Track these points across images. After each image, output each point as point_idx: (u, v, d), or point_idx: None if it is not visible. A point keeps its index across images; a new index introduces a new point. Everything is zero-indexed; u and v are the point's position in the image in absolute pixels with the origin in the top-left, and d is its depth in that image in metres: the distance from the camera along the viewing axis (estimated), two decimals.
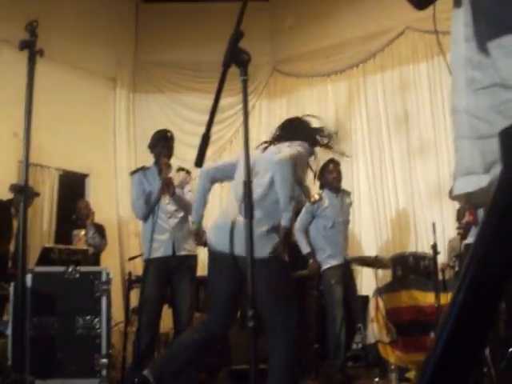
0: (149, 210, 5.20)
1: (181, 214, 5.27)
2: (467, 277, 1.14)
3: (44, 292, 5.05)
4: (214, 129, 7.31)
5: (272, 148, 3.87)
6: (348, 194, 6.36)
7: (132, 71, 9.75)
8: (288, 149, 3.73)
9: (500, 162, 1.26)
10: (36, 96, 7.82)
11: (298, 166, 3.74)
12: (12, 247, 6.49)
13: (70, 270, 5.18)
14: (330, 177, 6.05)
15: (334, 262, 5.88)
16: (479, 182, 1.42)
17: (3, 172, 7.05)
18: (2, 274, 6.09)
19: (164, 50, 9.63)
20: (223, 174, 4.09)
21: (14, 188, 6.54)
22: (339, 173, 6.17)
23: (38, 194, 6.60)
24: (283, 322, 3.56)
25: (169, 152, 5.36)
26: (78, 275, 5.17)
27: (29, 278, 5.02)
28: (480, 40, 1.43)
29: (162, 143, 5.37)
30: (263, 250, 3.57)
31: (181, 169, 5.49)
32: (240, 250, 3.57)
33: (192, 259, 5.29)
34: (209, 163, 4.30)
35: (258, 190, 3.64)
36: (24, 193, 2.77)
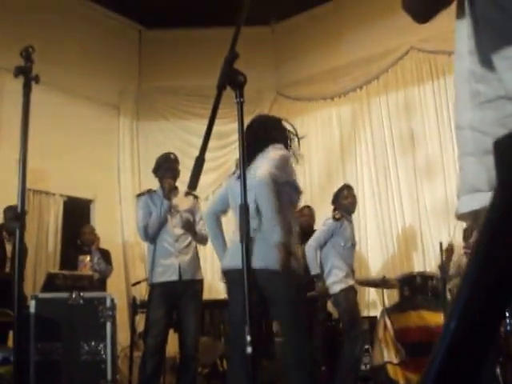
0: (155, 232, 5.15)
1: (188, 238, 5.22)
2: (459, 303, 1.06)
3: (48, 318, 5.03)
4: (219, 153, 7.37)
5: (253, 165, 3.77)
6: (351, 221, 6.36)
7: (135, 99, 9.79)
8: (266, 163, 3.64)
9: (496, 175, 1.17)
10: (41, 124, 7.92)
11: (284, 167, 3.68)
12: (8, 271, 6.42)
13: (74, 296, 5.18)
14: (346, 202, 6.13)
15: (350, 282, 5.84)
16: (485, 199, 1.29)
17: (9, 198, 7.05)
18: (7, 300, 6.06)
19: (167, 76, 9.71)
20: (223, 206, 4.06)
21: (8, 211, 6.54)
22: (354, 197, 6.26)
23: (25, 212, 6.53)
24: (297, 353, 3.44)
25: (173, 173, 5.31)
26: (82, 301, 5.16)
27: (33, 304, 5.02)
28: (483, 52, 1.39)
29: (166, 165, 5.33)
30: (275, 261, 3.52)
31: (188, 193, 5.41)
32: (253, 262, 3.53)
33: (198, 284, 5.23)
34: (208, 202, 4.23)
35: (251, 205, 3.62)
36: (20, 220, 2.75)
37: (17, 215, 2.85)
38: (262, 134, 3.83)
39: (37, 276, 7.58)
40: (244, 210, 2.30)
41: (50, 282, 5.83)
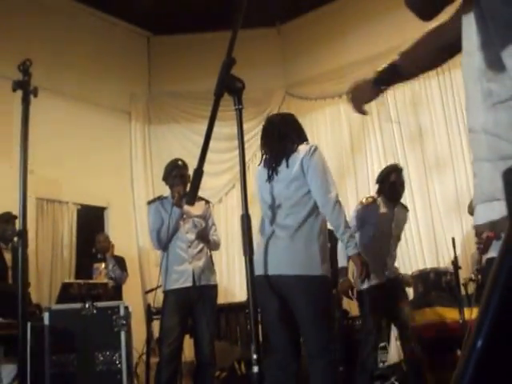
0: (167, 239, 5.13)
1: (201, 244, 5.20)
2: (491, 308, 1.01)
3: (62, 329, 5.03)
4: (230, 155, 7.38)
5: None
6: (406, 209, 5.65)
7: (146, 103, 9.85)
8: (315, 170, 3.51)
9: (506, 208, 1.09)
10: (52, 131, 7.99)
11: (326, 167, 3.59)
12: (10, 281, 6.43)
13: (87, 306, 5.15)
14: (392, 186, 5.34)
15: (373, 281, 4.91)
16: (502, 209, 1.21)
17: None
18: (16, 311, 6.09)
19: (177, 80, 9.75)
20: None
21: (1, 218, 6.57)
22: (402, 183, 5.50)
23: (15, 217, 6.53)
24: (322, 346, 3.37)
25: (183, 180, 5.23)
26: (95, 311, 5.14)
27: (46, 316, 5.02)
28: (492, 48, 1.31)
29: (174, 172, 5.28)
30: (310, 266, 3.39)
31: (200, 198, 5.33)
32: (272, 268, 3.42)
33: (213, 289, 5.18)
34: None
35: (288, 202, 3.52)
36: (22, 238, 2.70)
37: (19, 233, 2.78)
38: (286, 133, 3.72)
39: (52, 285, 7.63)
40: (246, 220, 2.20)
41: (65, 292, 5.87)
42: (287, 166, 3.58)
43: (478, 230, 5.49)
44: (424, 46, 1.93)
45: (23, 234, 2.73)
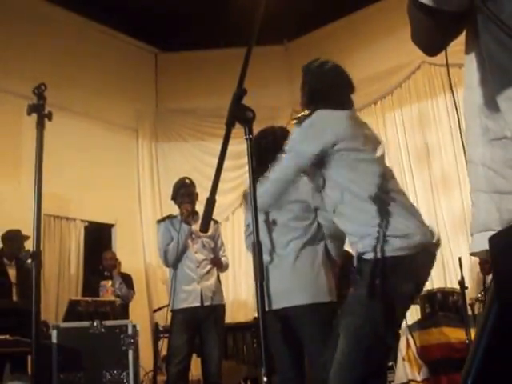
0: (176, 256, 5.14)
1: (209, 265, 5.23)
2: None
3: (70, 347, 5.05)
4: (236, 173, 7.34)
5: None
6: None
7: (153, 121, 9.90)
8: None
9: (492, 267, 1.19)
10: (60, 150, 8.00)
11: None
12: (15, 297, 6.44)
13: (95, 324, 5.19)
14: None
15: None
16: None
17: (29, 230, 7.14)
18: (22, 328, 6.09)
19: (183, 97, 9.80)
20: None
21: (7, 237, 6.59)
22: None
23: (27, 237, 6.49)
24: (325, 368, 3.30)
25: (190, 198, 5.28)
26: (103, 329, 5.18)
27: (54, 334, 5.05)
28: (489, 88, 1.35)
29: (182, 191, 5.31)
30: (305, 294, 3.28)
31: None
32: (276, 302, 3.29)
33: (220, 309, 5.23)
34: None
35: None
36: (36, 258, 2.69)
37: (32, 254, 2.77)
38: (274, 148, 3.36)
39: (59, 302, 7.63)
40: (257, 247, 2.08)
41: (73, 310, 5.87)
42: None
43: (474, 256, 5.53)
44: None
45: (37, 254, 2.74)
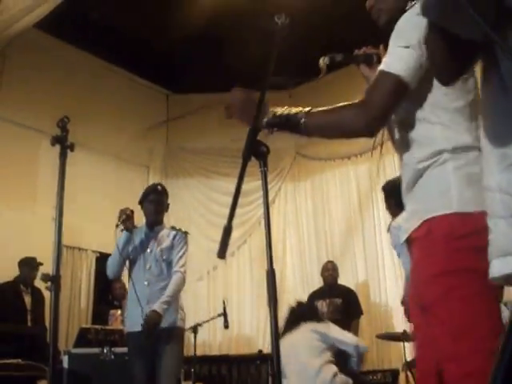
0: (116, 266, 4.94)
1: (164, 282, 4.66)
2: None
3: (81, 373, 5.09)
4: (243, 210, 7.57)
5: None
6: None
7: (164, 158, 10.21)
8: None
9: None
10: (74, 183, 8.29)
11: None
12: (29, 323, 6.54)
13: (105, 351, 5.26)
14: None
15: None
16: None
17: (44, 253, 7.42)
18: (41, 354, 5.95)
19: (193, 137, 10.09)
20: None
21: (24, 264, 6.79)
22: None
23: (41, 264, 6.65)
24: None
25: (158, 207, 4.94)
26: (113, 356, 5.23)
27: (66, 359, 5.11)
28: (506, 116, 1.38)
29: (151, 197, 4.96)
30: None
31: (174, 228, 5.01)
32: None
33: (173, 331, 4.54)
34: None
35: None
36: (55, 282, 2.71)
37: (52, 278, 2.79)
38: None
39: (69, 330, 7.80)
40: (271, 275, 2.11)
41: (83, 337, 5.98)
42: None
43: (494, 282, 5.65)
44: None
45: (57, 278, 2.76)
